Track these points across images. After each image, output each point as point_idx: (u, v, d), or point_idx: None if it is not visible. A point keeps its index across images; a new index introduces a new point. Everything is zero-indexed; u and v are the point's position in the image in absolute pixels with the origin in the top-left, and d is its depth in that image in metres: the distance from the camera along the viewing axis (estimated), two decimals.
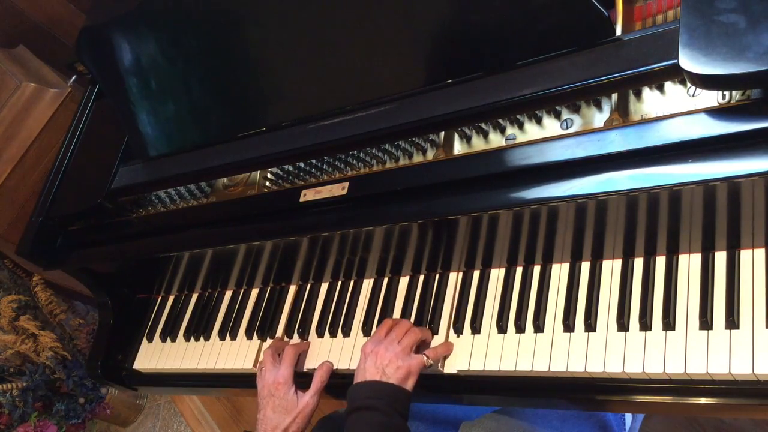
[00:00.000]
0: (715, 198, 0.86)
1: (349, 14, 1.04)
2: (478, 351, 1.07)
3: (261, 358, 1.23)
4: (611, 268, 1.03)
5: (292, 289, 1.34)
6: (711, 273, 0.94)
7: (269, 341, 1.29)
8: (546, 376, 1.01)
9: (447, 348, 1.10)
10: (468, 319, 1.10)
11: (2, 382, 2.26)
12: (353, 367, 1.12)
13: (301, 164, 1.18)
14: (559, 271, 1.07)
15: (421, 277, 1.19)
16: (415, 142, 1.09)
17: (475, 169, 0.99)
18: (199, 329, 1.41)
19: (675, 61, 0.78)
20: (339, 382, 1.17)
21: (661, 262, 0.99)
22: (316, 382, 1.15)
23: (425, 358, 1.06)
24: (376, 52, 1.04)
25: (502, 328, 1.07)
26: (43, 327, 2.30)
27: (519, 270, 1.10)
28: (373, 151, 1.11)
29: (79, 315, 2.62)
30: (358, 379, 1.05)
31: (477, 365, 1.06)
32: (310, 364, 1.22)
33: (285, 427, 1.11)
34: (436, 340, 1.12)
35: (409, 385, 1.03)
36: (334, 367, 1.18)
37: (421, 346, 1.10)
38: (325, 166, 1.16)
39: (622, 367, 0.95)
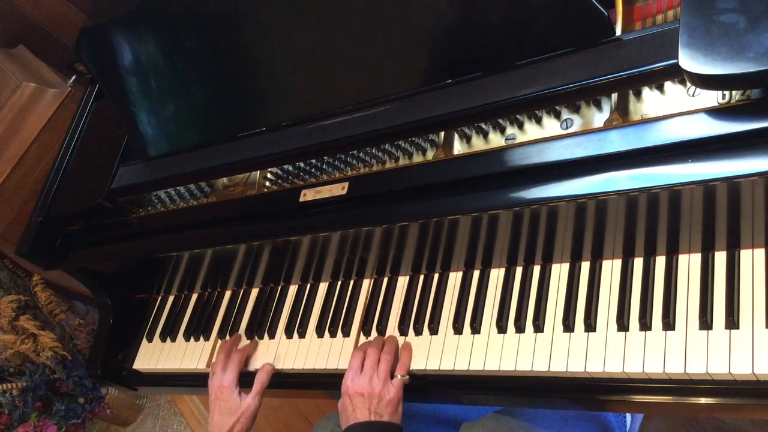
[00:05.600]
0: (715, 198, 0.86)
1: (349, 14, 1.04)
2: (478, 351, 1.07)
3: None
4: (611, 268, 1.03)
5: (292, 289, 1.34)
6: (711, 273, 0.94)
7: (268, 341, 1.30)
8: (546, 376, 1.01)
9: (408, 352, 1.12)
10: (468, 319, 1.10)
11: (2, 382, 2.26)
12: None
13: (301, 164, 1.18)
14: (559, 271, 1.07)
15: (421, 277, 1.19)
16: (415, 142, 1.09)
17: (475, 169, 0.99)
18: (199, 329, 1.41)
19: (675, 61, 0.78)
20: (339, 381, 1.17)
21: (660, 262, 0.99)
22: (257, 384, 1.21)
23: (400, 377, 1.08)
24: (376, 52, 1.04)
25: (502, 328, 1.07)
26: (43, 327, 2.30)
27: (519, 270, 1.10)
28: (373, 151, 1.11)
29: (79, 315, 2.62)
30: (349, 421, 1.07)
31: (477, 365, 1.06)
32: (309, 363, 1.22)
33: (229, 428, 1.17)
34: (436, 341, 1.12)
35: (399, 412, 1.06)
36: (335, 367, 1.18)
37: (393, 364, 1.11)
38: (325, 166, 1.16)
39: (622, 367, 0.95)
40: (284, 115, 1.15)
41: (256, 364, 1.28)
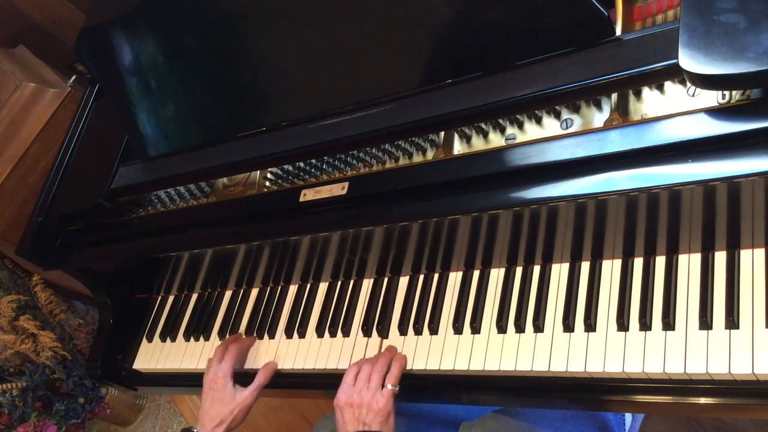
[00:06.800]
0: (715, 198, 0.86)
1: (349, 14, 1.04)
2: (477, 351, 1.07)
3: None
4: (611, 268, 1.03)
5: (292, 289, 1.34)
6: (711, 273, 0.94)
7: (268, 341, 1.30)
8: (546, 376, 1.01)
9: (401, 362, 1.11)
10: (468, 319, 1.10)
11: (2, 382, 2.26)
12: None
13: (301, 164, 1.18)
14: (559, 271, 1.07)
15: (421, 277, 1.19)
16: (415, 142, 1.09)
17: (475, 169, 0.99)
18: (199, 329, 1.41)
19: (675, 61, 0.78)
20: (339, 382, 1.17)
21: (660, 261, 0.99)
22: (256, 381, 1.22)
23: (390, 387, 1.07)
24: (376, 51, 1.04)
25: (502, 328, 1.07)
26: (42, 327, 2.30)
27: (519, 270, 1.10)
28: (373, 151, 1.11)
29: (79, 315, 2.62)
30: None
31: (477, 365, 1.06)
32: (308, 363, 1.22)
33: (222, 419, 1.18)
34: (435, 340, 1.12)
35: (391, 423, 1.06)
36: (335, 367, 1.18)
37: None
38: (325, 166, 1.16)
39: (621, 367, 0.95)
40: (284, 115, 1.15)
41: (257, 363, 1.28)
